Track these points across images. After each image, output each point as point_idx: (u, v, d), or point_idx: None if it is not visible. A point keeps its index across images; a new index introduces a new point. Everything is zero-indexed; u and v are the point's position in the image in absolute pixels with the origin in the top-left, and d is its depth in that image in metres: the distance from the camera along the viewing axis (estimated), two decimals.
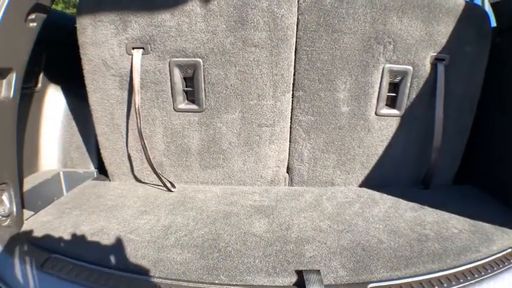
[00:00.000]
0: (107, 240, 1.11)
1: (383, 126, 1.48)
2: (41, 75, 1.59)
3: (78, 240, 1.12)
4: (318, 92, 1.40)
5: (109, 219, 1.23)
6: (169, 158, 1.51)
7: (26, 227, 1.18)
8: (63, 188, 1.64)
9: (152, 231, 1.17)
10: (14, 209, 1.17)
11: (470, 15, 1.39)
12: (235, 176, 1.53)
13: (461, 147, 1.56)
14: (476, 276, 1.02)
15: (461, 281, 1.01)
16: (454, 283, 1.00)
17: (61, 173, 1.65)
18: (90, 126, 1.60)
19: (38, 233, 1.15)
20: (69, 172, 1.67)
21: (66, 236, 1.13)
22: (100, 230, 1.16)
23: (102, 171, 1.67)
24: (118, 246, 1.09)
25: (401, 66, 1.40)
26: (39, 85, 1.60)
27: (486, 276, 1.03)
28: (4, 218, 1.13)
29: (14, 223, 1.15)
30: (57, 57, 1.56)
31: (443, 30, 1.38)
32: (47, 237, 1.13)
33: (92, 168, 1.69)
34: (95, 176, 1.67)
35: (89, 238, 1.12)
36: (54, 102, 1.67)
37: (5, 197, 1.15)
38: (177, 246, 1.09)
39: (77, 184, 1.60)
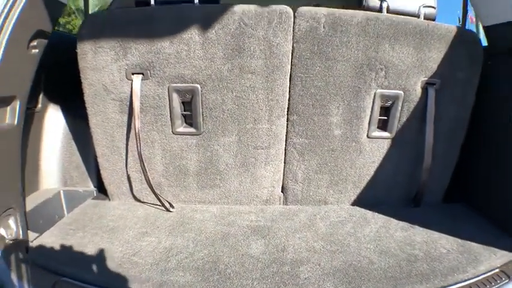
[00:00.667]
0: (112, 262, 1.15)
1: (374, 148, 1.53)
2: (41, 96, 1.63)
3: (85, 262, 1.16)
4: (312, 116, 1.46)
5: (112, 241, 1.28)
6: (168, 179, 1.55)
7: (32, 249, 1.22)
8: (64, 206, 1.68)
9: (154, 253, 1.21)
10: (20, 232, 1.21)
11: (462, 40, 1.45)
12: (232, 195, 1.58)
13: (451, 167, 1.62)
14: None
15: None
16: None
17: (61, 191, 1.69)
18: (89, 146, 1.64)
19: (45, 255, 1.19)
20: (70, 191, 1.71)
21: (73, 259, 1.18)
22: (104, 252, 1.21)
23: (101, 189, 1.70)
24: (123, 268, 1.13)
25: (393, 91, 1.46)
26: (39, 105, 1.64)
27: None
28: (12, 242, 1.17)
29: (21, 246, 1.19)
30: (56, 78, 1.60)
31: (435, 56, 1.44)
32: (54, 260, 1.17)
33: (91, 187, 1.73)
34: (95, 194, 1.71)
35: (95, 260, 1.17)
36: (53, 122, 1.71)
37: (11, 221, 1.19)
38: (179, 268, 1.14)
39: (77, 202, 1.64)
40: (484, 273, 1.19)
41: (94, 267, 1.14)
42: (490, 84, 1.51)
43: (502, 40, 1.44)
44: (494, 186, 1.52)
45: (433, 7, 1.48)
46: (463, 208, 1.62)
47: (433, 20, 1.51)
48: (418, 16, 1.47)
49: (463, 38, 1.45)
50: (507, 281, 1.18)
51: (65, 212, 1.64)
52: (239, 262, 1.18)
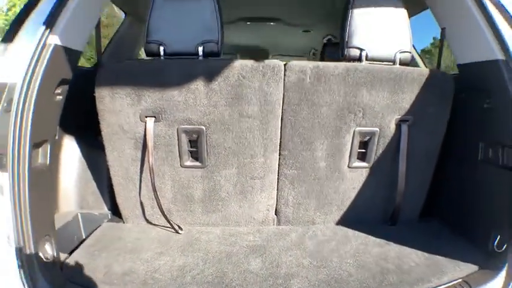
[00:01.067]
0: (137, 279, 1.38)
1: (354, 176, 1.78)
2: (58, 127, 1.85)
3: (114, 280, 1.38)
4: (300, 152, 1.71)
5: (134, 260, 1.50)
6: (176, 205, 1.78)
7: (65, 269, 1.44)
8: (81, 228, 1.88)
9: (171, 270, 1.44)
10: (55, 254, 1.43)
11: (433, 81, 1.69)
12: (232, 218, 1.81)
13: (424, 190, 1.86)
14: None
15: None
16: None
17: (79, 214, 1.88)
18: (103, 173, 1.86)
19: (78, 274, 1.41)
20: (86, 214, 1.91)
21: (103, 277, 1.40)
22: (130, 270, 1.43)
23: (115, 212, 1.92)
24: (148, 284, 1.36)
25: (369, 129, 1.70)
26: (56, 137, 1.85)
27: None
28: (49, 264, 1.39)
29: (56, 267, 1.41)
30: (71, 110, 1.72)
31: (408, 97, 1.68)
32: (87, 279, 1.39)
33: (106, 210, 1.94)
34: (109, 217, 1.92)
35: (123, 278, 1.39)
36: (70, 151, 1.91)
37: (47, 245, 1.41)
38: (193, 283, 1.37)
39: (93, 224, 1.85)
40: (446, 283, 1.41)
41: (123, 284, 1.36)
42: (461, 115, 1.75)
43: (473, 78, 1.68)
44: (462, 204, 1.77)
45: (408, 52, 1.73)
46: (436, 224, 1.87)
47: (408, 63, 1.76)
48: (394, 61, 1.72)
49: (434, 79, 1.69)
50: None
51: (83, 233, 1.84)
52: (241, 277, 1.41)
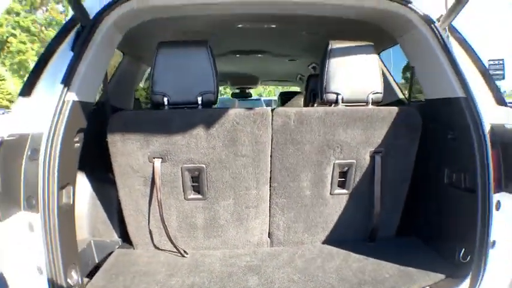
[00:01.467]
0: None
1: (336, 201, 2.05)
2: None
3: None
4: (288, 183, 1.97)
5: (149, 282, 1.72)
6: (181, 232, 2.03)
7: None
8: (95, 254, 2.09)
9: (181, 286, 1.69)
10: (79, 280, 1.66)
11: (402, 117, 1.94)
12: (231, 242, 2.06)
13: (399, 211, 2.10)
14: None
15: None
16: None
17: (92, 241, 2.10)
18: (113, 204, 2.10)
19: None
20: (99, 241, 2.12)
21: None
22: None
23: (125, 240, 2.14)
24: None
25: (347, 161, 1.97)
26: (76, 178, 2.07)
27: None
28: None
29: None
30: (86, 150, 1.89)
31: (379, 133, 1.94)
32: None
33: (116, 238, 2.17)
34: (120, 244, 2.15)
35: None
36: (83, 185, 2.13)
37: (73, 272, 1.64)
38: None
39: (105, 251, 2.07)
40: None
41: None
42: (430, 143, 2.00)
43: (439, 112, 1.92)
44: (433, 222, 2.03)
45: (379, 92, 2.00)
46: (411, 240, 2.11)
47: (380, 101, 2.03)
48: (367, 102, 1.98)
49: (402, 115, 1.94)
50: None
51: (96, 258, 2.06)
52: (245, 262, 1.70)
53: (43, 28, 35.96)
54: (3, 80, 47.95)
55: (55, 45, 1.73)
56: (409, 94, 2.43)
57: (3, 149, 1.41)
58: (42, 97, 1.62)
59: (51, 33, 35.80)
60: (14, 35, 34.12)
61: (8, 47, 34.02)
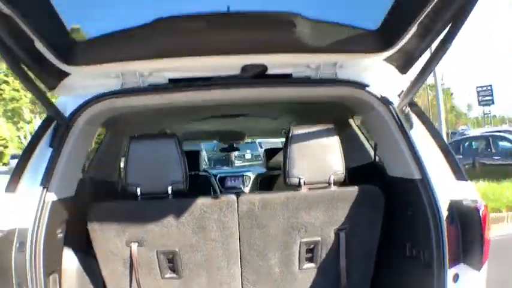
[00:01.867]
0: None
1: (305, 276, 2.14)
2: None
3: None
4: (257, 262, 2.08)
5: None
6: None
7: None
8: None
9: None
10: None
11: (364, 196, 2.06)
12: None
13: (366, 283, 2.18)
14: None
15: None
16: None
17: None
18: (98, 278, 2.20)
19: None
20: None
21: None
22: None
23: None
24: None
25: (312, 239, 2.08)
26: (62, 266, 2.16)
27: None
28: None
29: None
30: (66, 232, 2.03)
31: (342, 212, 2.05)
32: None
33: None
34: None
35: None
36: (69, 265, 2.23)
37: None
38: None
39: None
40: None
41: None
42: (393, 218, 2.11)
43: (399, 189, 2.06)
44: None
45: (341, 172, 2.10)
46: None
47: (342, 181, 2.14)
48: (329, 183, 2.09)
49: (364, 194, 2.06)
50: None
51: None
52: None
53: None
54: None
55: (35, 141, 1.88)
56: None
57: None
58: (25, 195, 1.77)
59: None
60: (7, 82, 34.63)
61: (1, 94, 34.55)
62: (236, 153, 9.05)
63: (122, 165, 3.15)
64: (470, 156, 13.89)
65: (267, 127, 4.38)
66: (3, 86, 34.72)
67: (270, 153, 5.00)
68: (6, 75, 34.56)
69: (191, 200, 2.00)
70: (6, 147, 52.24)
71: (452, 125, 49.53)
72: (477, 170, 13.03)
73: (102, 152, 2.97)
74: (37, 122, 38.27)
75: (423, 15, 1.54)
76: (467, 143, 14.92)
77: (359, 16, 1.76)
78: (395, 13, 1.65)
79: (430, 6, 1.48)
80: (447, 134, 23.15)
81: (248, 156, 13.86)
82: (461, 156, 13.73)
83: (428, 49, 1.84)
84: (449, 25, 1.58)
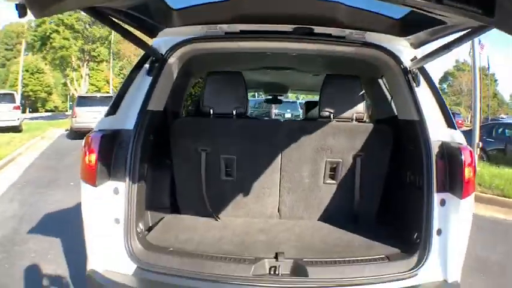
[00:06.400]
0: (195, 241, 2.39)
1: (327, 189, 2.78)
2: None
3: (181, 242, 2.38)
4: (293, 173, 2.74)
5: (191, 234, 2.50)
6: (217, 204, 2.80)
7: (149, 238, 2.41)
8: (149, 218, 2.75)
9: (214, 238, 2.46)
10: (144, 230, 2.44)
11: (377, 132, 2.69)
12: (250, 213, 2.83)
13: (375, 201, 2.78)
14: (354, 262, 2.22)
15: (348, 263, 2.22)
16: (345, 264, 2.21)
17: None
18: (166, 182, 2.88)
19: (158, 240, 2.39)
20: (154, 207, 2.89)
21: (174, 240, 2.38)
22: (189, 238, 2.43)
23: (173, 207, 2.92)
24: (201, 244, 2.36)
25: (335, 160, 2.72)
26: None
27: (361, 264, 2.20)
28: (141, 235, 2.35)
29: (144, 237, 2.37)
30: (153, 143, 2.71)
31: (360, 142, 2.67)
32: (164, 242, 2.36)
33: (167, 205, 2.94)
34: (169, 211, 2.92)
35: (186, 241, 2.39)
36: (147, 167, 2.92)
37: (141, 224, 2.41)
38: (226, 243, 2.38)
39: (159, 215, 2.83)
40: (373, 256, 2.20)
41: (186, 244, 2.36)
42: (400, 151, 2.70)
43: (405, 128, 2.56)
44: (399, 211, 2.72)
45: (361, 112, 2.75)
46: (383, 224, 2.82)
47: (362, 118, 2.78)
48: (352, 119, 2.74)
49: (377, 131, 2.70)
50: (387, 261, 2.20)
51: (150, 222, 2.76)
52: (254, 242, 2.42)
53: (87, 26, 37.58)
54: (42, 73, 50.30)
55: (134, 73, 2.52)
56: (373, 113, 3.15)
57: (103, 139, 2.20)
58: (128, 108, 2.38)
59: (95, 31, 37.74)
60: (58, 31, 35.80)
61: (51, 43, 35.80)
62: (276, 110, 9.66)
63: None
64: (502, 142, 14.06)
65: (309, 82, 4.98)
66: (54, 34, 35.85)
67: (310, 105, 5.58)
68: (57, 24, 35.60)
69: (249, 120, 2.66)
70: (50, 94, 54.68)
71: (493, 112, 48.20)
72: (508, 156, 13.17)
73: (174, 88, 3.65)
74: (84, 69, 39.80)
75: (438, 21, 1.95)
76: (500, 129, 14.92)
77: (386, 6, 2.25)
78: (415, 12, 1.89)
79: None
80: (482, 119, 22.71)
81: (288, 115, 14.45)
82: (492, 140, 13.93)
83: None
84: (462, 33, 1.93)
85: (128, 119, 2.32)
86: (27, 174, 8.83)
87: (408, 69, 2.47)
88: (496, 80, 54.08)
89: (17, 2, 1.54)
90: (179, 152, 2.73)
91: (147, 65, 2.51)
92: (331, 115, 2.74)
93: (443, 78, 57.12)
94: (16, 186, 7.65)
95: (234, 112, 2.77)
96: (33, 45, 37.97)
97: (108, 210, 2.21)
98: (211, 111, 2.77)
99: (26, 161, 10.59)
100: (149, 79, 2.46)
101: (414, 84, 2.44)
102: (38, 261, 4.04)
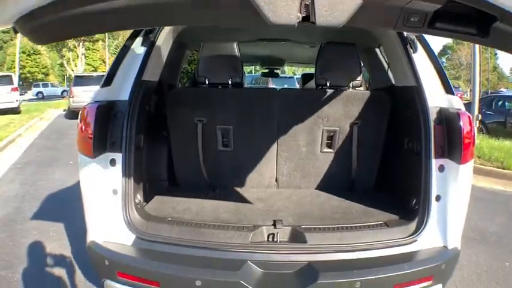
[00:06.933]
0: (193, 211, 2.41)
1: (324, 157, 2.79)
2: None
3: (179, 212, 2.39)
4: (289, 142, 2.74)
5: (189, 203, 2.50)
6: (214, 174, 2.81)
7: (147, 209, 2.42)
8: (147, 188, 2.75)
9: (212, 207, 2.46)
10: (142, 201, 2.43)
11: (374, 98, 2.67)
12: (248, 183, 2.84)
13: (373, 169, 2.79)
14: (353, 229, 2.25)
15: (347, 229, 2.24)
16: (343, 230, 2.23)
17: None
18: (163, 155, 2.88)
19: (156, 211, 2.39)
20: (152, 181, 2.92)
21: (172, 211, 2.40)
22: (187, 207, 2.45)
23: (171, 178, 2.92)
24: (200, 213, 2.38)
25: (332, 128, 2.71)
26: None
27: (359, 230, 2.22)
28: (139, 205, 2.41)
29: (143, 208, 2.38)
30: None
31: (356, 109, 2.66)
32: (162, 212, 2.38)
33: (165, 178, 2.94)
34: (167, 183, 2.94)
35: (184, 211, 2.41)
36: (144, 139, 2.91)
37: (138, 195, 2.42)
38: (224, 212, 2.39)
39: (157, 187, 2.84)
40: (371, 222, 2.23)
41: (184, 213, 2.38)
42: (397, 118, 2.68)
43: (402, 95, 2.52)
44: (397, 178, 2.72)
45: (358, 80, 2.72)
46: (381, 192, 2.84)
47: (359, 86, 2.75)
48: (348, 86, 2.71)
49: (374, 97, 2.68)
50: (386, 227, 2.21)
51: (148, 193, 2.70)
52: (251, 211, 2.43)
53: None
54: (39, 54, 49.86)
55: (127, 46, 2.46)
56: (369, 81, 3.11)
57: (98, 110, 2.17)
58: (123, 79, 2.33)
59: None
60: None
61: None
62: (273, 86, 9.64)
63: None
64: (501, 115, 14.06)
65: (305, 54, 4.92)
66: None
67: (306, 77, 5.52)
68: None
69: (245, 89, 2.63)
70: (47, 75, 54.34)
71: (493, 86, 47.96)
72: (507, 128, 13.18)
73: (170, 60, 3.62)
74: (80, 49, 39.28)
75: None
76: (500, 102, 14.90)
77: None
78: None
79: None
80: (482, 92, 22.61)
81: None
82: (492, 113, 13.89)
83: None
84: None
85: (123, 89, 2.30)
86: (27, 155, 8.84)
87: (405, 35, 2.45)
88: (496, 54, 53.54)
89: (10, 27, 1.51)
90: (175, 123, 2.72)
91: (141, 36, 2.48)
92: (328, 83, 2.70)
93: (442, 52, 56.34)
94: (17, 166, 7.68)
95: (230, 81, 2.74)
96: None
97: (105, 181, 2.21)
98: (207, 80, 2.74)
99: (26, 142, 10.60)
100: (143, 49, 2.43)
101: (412, 51, 2.41)
102: (40, 238, 4.08)
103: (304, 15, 1.28)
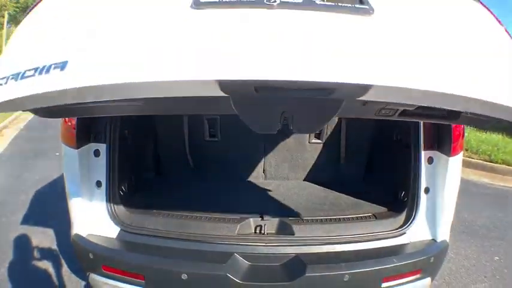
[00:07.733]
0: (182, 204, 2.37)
1: (313, 148, 2.76)
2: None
3: (165, 200, 2.37)
4: (278, 133, 2.68)
5: (175, 191, 2.50)
6: (201, 164, 2.81)
7: (134, 199, 2.40)
8: (133, 178, 2.78)
9: (199, 193, 2.46)
10: (128, 192, 2.40)
11: None
12: (236, 174, 2.83)
13: (362, 160, 2.81)
14: (341, 221, 2.25)
15: (335, 221, 2.23)
16: (331, 222, 2.22)
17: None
18: (150, 148, 2.85)
19: (141, 200, 2.40)
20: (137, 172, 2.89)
21: (159, 200, 2.38)
22: (174, 194, 2.43)
23: (158, 172, 2.92)
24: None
25: None
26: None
27: (347, 222, 2.23)
28: (124, 196, 2.35)
29: (128, 199, 2.37)
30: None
31: None
32: (147, 200, 2.37)
33: (151, 172, 2.93)
34: (154, 173, 2.91)
35: (171, 198, 2.37)
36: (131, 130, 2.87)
37: (123, 187, 2.38)
38: (214, 203, 2.37)
39: (142, 179, 2.81)
40: (361, 214, 2.29)
41: (172, 199, 2.35)
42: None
43: None
44: (386, 169, 2.71)
45: None
46: (369, 183, 2.82)
47: None
48: None
49: None
50: (374, 219, 2.24)
51: (133, 184, 2.68)
52: (241, 200, 2.42)
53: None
54: None
55: None
56: None
57: None
58: None
59: None
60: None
61: None
62: None
63: None
64: None
65: None
66: None
67: None
68: None
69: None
70: None
71: None
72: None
73: None
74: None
75: None
76: None
77: None
78: None
79: None
80: None
81: None
82: None
83: None
84: None
85: None
86: (12, 146, 8.69)
87: None
88: None
89: None
90: (163, 117, 2.66)
91: None
92: None
93: None
94: (1, 159, 7.54)
95: None
96: (16, 16, 36.64)
97: (89, 172, 2.17)
98: None
99: (12, 133, 10.42)
100: None
101: None
102: (25, 231, 4.01)
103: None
